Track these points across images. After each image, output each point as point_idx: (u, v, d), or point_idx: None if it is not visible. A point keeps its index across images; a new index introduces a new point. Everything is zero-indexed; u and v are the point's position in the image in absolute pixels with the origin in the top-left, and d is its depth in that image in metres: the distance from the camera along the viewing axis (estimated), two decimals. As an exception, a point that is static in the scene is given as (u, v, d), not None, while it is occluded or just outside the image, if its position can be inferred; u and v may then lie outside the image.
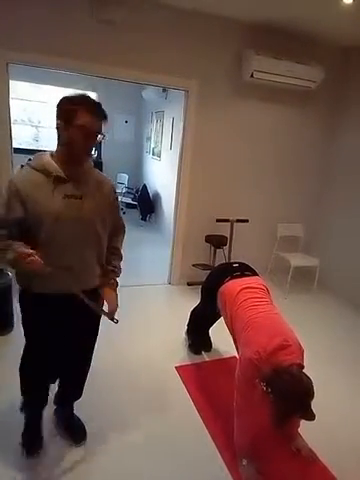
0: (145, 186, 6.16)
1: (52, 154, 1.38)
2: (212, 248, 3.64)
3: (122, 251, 1.67)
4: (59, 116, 1.29)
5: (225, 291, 2.02)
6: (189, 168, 3.50)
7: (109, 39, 2.91)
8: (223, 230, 3.59)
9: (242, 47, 3.26)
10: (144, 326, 2.92)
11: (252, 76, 3.26)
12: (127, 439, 1.84)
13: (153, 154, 6.07)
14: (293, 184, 3.98)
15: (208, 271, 3.62)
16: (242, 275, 2.06)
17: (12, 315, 2.65)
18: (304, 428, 1.83)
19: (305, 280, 3.91)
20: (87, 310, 1.42)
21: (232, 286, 2.00)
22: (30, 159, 1.39)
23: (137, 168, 6.96)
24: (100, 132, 1.31)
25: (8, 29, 2.66)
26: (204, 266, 3.58)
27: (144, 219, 6.12)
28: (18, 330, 2.57)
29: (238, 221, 3.48)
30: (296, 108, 3.71)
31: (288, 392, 1.48)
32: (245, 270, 2.11)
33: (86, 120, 1.25)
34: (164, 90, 5.34)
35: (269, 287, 2.07)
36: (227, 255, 3.49)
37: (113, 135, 6.68)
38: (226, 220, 3.43)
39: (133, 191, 6.20)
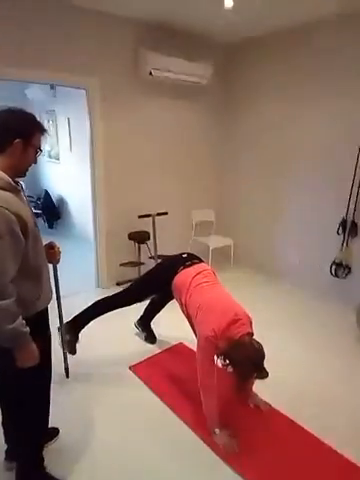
0: (47, 192, 5.77)
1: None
2: (136, 244, 3.69)
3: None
4: (17, 133, 1.27)
5: (179, 280, 2.15)
6: (102, 168, 3.45)
7: (1, 37, 2.64)
8: (144, 225, 3.67)
9: (139, 46, 3.33)
10: (85, 336, 2.83)
11: (151, 74, 3.37)
12: (103, 451, 1.83)
13: (50, 157, 5.71)
14: (200, 172, 4.28)
15: (137, 267, 3.71)
16: (192, 264, 2.22)
17: None
18: (258, 386, 2.09)
19: (222, 259, 4.29)
20: None
21: (185, 275, 2.14)
22: None
23: (32, 174, 6.44)
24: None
25: None
26: (133, 263, 3.62)
27: (51, 227, 5.75)
28: None
29: (158, 214, 3.60)
30: (192, 102, 3.97)
31: (243, 359, 1.70)
32: (193, 259, 2.27)
33: (39, 140, 1.35)
34: (52, 87, 5.06)
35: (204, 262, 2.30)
36: (154, 248, 3.59)
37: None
38: (148, 215, 3.51)
39: (34, 199, 5.74)
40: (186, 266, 2.20)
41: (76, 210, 5.44)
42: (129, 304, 2.49)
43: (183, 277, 2.15)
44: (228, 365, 1.75)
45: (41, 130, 1.35)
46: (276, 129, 3.78)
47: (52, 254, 1.63)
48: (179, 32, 3.55)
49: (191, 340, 2.60)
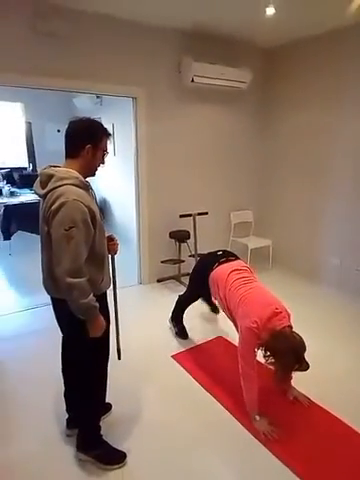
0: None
1: (74, 170, 1.49)
2: (177, 243, 3.86)
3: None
4: (87, 139, 1.47)
5: (215, 276, 2.26)
6: (145, 171, 3.66)
7: (53, 51, 2.92)
8: (184, 224, 3.83)
9: (181, 54, 3.52)
10: (129, 326, 3.03)
11: (192, 81, 3.53)
12: (151, 426, 1.99)
13: (94, 161, 6.03)
14: (238, 175, 4.37)
15: (177, 265, 3.87)
16: (227, 260, 2.32)
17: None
18: (297, 380, 2.15)
19: (261, 260, 4.35)
20: None
21: (221, 271, 2.25)
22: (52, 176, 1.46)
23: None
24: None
25: None
26: (173, 261, 3.79)
27: (95, 227, 6.07)
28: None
29: (199, 214, 3.74)
30: (232, 106, 4.09)
31: (285, 350, 1.77)
32: (229, 256, 2.38)
33: (106, 145, 1.55)
34: (98, 96, 5.39)
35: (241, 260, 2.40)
36: (194, 247, 3.74)
37: (46, 145, 6.48)
38: (188, 215, 3.67)
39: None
40: (221, 263, 2.31)
41: (118, 211, 5.72)
42: (191, 300, 2.78)
43: (219, 272, 2.26)
44: (269, 356, 1.83)
45: (107, 134, 1.54)
46: (315, 134, 3.80)
47: (112, 246, 1.77)
48: (220, 39, 3.69)
49: (229, 334, 2.72)
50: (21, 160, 6.63)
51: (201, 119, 3.90)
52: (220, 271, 2.26)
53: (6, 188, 5.43)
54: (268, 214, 4.55)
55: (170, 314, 2.95)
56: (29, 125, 6.57)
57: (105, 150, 1.54)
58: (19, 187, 5.98)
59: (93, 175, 1.57)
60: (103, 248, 1.56)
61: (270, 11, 2.99)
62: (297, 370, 1.85)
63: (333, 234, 3.81)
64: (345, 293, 3.66)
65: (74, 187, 1.40)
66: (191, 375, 2.42)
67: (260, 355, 1.90)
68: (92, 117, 1.54)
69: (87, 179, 1.52)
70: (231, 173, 4.30)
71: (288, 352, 1.77)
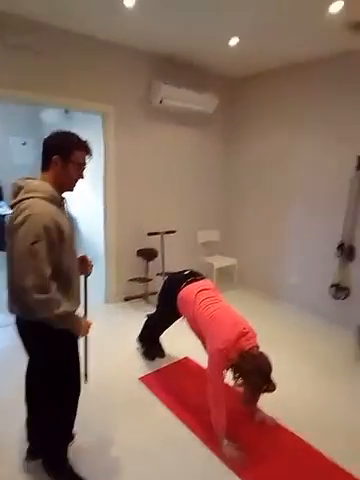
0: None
1: (47, 183, 1.47)
2: (145, 261, 3.86)
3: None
4: (55, 150, 1.45)
5: (184, 296, 2.29)
6: (114, 188, 3.66)
7: (23, 64, 2.89)
8: (152, 243, 3.85)
9: (152, 76, 3.62)
10: (96, 347, 2.95)
11: (161, 102, 3.63)
12: (114, 453, 1.93)
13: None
14: (205, 195, 4.49)
15: (145, 283, 3.86)
16: (194, 280, 2.36)
17: None
18: (262, 401, 2.20)
19: (227, 278, 4.44)
20: None
21: (189, 290, 2.28)
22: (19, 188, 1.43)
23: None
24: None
25: None
26: (141, 279, 3.77)
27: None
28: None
29: (167, 233, 3.78)
30: (199, 129, 4.24)
31: (253, 370, 1.82)
32: (196, 275, 2.42)
33: (82, 157, 1.50)
34: (66, 111, 5.35)
35: (208, 279, 2.46)
36: (162, 266, 3.75)
37: (11, 158, 6.30)
38: (156, 233, 3.69)
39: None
40: (188, 282, 2.34)
41: (86, 228, 5.63)
42: (162, 324, 2.73)
43: (187, 292, 2.29)
44: (238, 377, 1.88)
45: (80, 147, 1.48)
46: (277, 157, 4.02)
47: (84, 267, 1.74)
48: (189, 66, 3.84)
49: (196, 355, 2.73)
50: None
51: (170, 139, 3.99)
52: (188, 291, 2.29)
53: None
54: (233, 233, 4.69)
55: (138, 334, 2.92)
56: (-7, 138, 6.36)
57: (80, 164, 1.50)
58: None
59: (70, 190, 1.54)
60: (71, 268, 1.51)
61: (233, 42, 3.19)
62: (265, 391, 1.89)
63: (292, 253, 4.00)
64: (306, 310, 3.83)
65: (42, 201, 1.37)
66: (159, 399, 2.38)
67: (229, 377, 1.93)
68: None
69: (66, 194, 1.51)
70: (198, 193, 4.41)
71: (256, 372, 1.82)
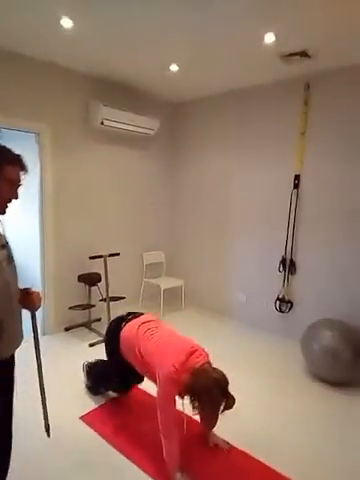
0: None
1: None
2: (87, 287, 3.61)
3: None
4: None
5: (126, 333, 2.18)
6: (51, 211, 3.42)
7: None
8: (95, 267, 3.63)
9: (91, 97, 3.54)
10: (32, 386, 2.62)
11: (102, 123, 3.55)
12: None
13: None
14: (149, 216, 4.43)
15: (87, 310, 3.60)
16: (134, 317, 2.28)
17: None
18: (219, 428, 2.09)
19: (174, 300, 4.34)
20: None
21: (130, 327, 2.20)
22: None
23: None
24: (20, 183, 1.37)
25: None
26: (83, 306, 3.50)
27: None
28: None
29: (110, 255, 3.60)
30: (142, 150, 4.22)
31: (209, 385, 1.70)
32: (134, 313, 2.34)
33: (13, 173, 1.32)
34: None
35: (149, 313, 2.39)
36: (106, 291, 3.53)
37: None
38: (99, 256, 3.49)
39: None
40: (128, 320, 2.26)
41: (20, 253, 5.18)
42: (113, 375, 2.40)
43: (128, 329, 2.19)
44: (194, 400, 1.73)
45: (13, 162, 1.32)
46: (219, 176, 4.14)
47: (31, 300, 1.51)
48: (129, 88, 3.86)
49: (144, 383, 2.56)
50: None
51: (112, 160, 3.90)
52: (129, 327, 2.20)
53: None
54: (179, 254, 4.66)
55: (85, 365, 2.64)
56: None
57: (13, 180, 1.33)
58: None
59: (1, 212, 1.37)
60: (5, 300, 1.31)
61: (173, 68, 3.28)
62: (225, 408, 1.76)
63: (238, 271, 4.05)
64: (255, 326, 3.86)
65: None
66: (104, 438, 2.14)
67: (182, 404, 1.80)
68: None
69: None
70: (142, 214, 4.33)
71: (212, 387, 1.70)
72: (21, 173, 1.35)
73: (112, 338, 2.27)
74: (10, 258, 1.39)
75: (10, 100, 3.03)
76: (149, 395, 2.48)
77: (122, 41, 2.74)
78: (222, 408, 1.75)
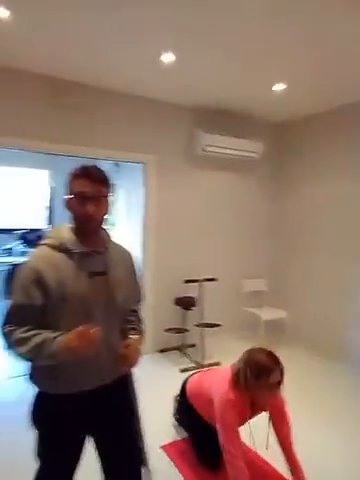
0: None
1: (71, 227, 1.30)
2: (182, 310, 3.60)
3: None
4: (65, 190, 1.29)
5: (190, 386, 2.24)
6: (153, 234, 3.60)
7: (71, 123, 3.12)
8: (191, 291, 3.61)
9: (193, 127, 3.69)
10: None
11: (204, 150, 3.63)
12: None
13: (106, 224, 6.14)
14: (251, 241, 4.24)
15: (181, 334, 3.56)
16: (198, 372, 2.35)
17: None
18: None
19: (275, 333, 3.96)
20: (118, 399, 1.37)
21: (194, 379, 2.26)
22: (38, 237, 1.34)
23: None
24: (100, 195, 1.25)
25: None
26: (177, 330, 3.50)
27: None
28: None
29: (206, 280, 3.54)
30: (245, 175, 4.13)
31: (256, 356, 1.76)
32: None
33: (80, 185, 1.23)
34: (117, 164, 5.66)
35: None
36: (200, 316, 3.46)
37: (65, 209, 6.72)
38: (195, 280, 3.47)
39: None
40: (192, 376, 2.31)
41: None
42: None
43: (191, 380, 2.26)
44: (248, 378, 1.70)
45: (77, 175, 1.26)
46: (334, 203, 3.69)
47: (124, 356, 1.29)
48: (231, 113, 3.87)
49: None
50: (39, 221, 6.84)
51: (213, 185, 3.94)
52: (193, 380, 2.26)
53: (17, 248, 5.48)
54: (283, 283, 4.28)
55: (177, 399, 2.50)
56: (52, 190, 6.92)
57: (79, 193, 1.23)
58: (32, 247, 6.06)
59: (84, 228, 1.27)
60: (75, 316, 1.22)
61: (278, 87, 3.15)
62: (277, 384, 1.70)
63: (354, 306, 3.45)
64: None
65: (45, 248, 1.25)
66: (180, 472, 2.02)
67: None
68: (111, 181, 1.31)
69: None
70: (243, 239, 4.18)
71: (259, 355, 1.75)
72: (88, 183, 1.23)
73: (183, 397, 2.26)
74: (103, 271, 1.29)
75: (123, 136, 3.38)
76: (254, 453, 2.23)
77: (222, 66, 2.78)
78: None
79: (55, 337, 1.16)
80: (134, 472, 1.40)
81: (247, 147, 3.83)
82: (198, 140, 3.65)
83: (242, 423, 1.79)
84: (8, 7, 2.03)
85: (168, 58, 2.63)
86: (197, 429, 2.15)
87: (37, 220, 6.84)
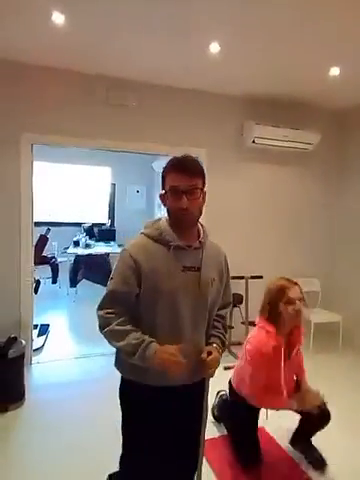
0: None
1: (167, 220, 1.30)
2: (228, 307, 3.56)
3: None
4: (161, 185, 1.29)
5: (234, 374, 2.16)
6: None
7: (123, 120, 3.25)
8: (238, 288, 3.54)
9: (243, 118, 3.59)
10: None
11: (254, 142, 3.51)
12: None
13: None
14: (304, 239, 4.01)
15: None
16: None
17: (23, 386, 2.56)
18: None
19: (328, 338, 3.70)
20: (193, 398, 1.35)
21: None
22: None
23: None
24: (194, 188, 1.22)
25: (32, 114, 3.00)
26: (221, 326, 3.47)
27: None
28: (29, 404, 2.48)
29: (252, 278, 3.44)
30: (298, 168, 3.90)
31: (275, 281, 1.98)
32: None
33: (173, 179, 1.21)
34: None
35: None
36: (245, 314, 3.39)
37: (126, 204, 7.06)
38: (241, 277, 3.40)
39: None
40: None
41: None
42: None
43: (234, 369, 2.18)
44: (273, 308, 1.89)
45: (171, 169, 1.23)
46: None
47: (202, 363, 1.27)
48: (284, 103, 3.67)
49: (275, 427, 2.31)
50: (102, 216, 7.28)
51: (264, 178, 3.80)
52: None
53: (83, 240, 5.91)
54: (339, 285, 3.97)
55: (220, 396, 2.49)
56: (113, 186, 7.30)
57: (173, 187, 1.20)
58: (97, 240, 6.49)
59: (180, 222, 1.26)
60: (156, 323, 1.23)
61: (335, 71, 2.91)
62: (292, 297, 1.87)
63: None
64: None
65: (143, 237, 1.28)
66: (211, 467, 2.00)
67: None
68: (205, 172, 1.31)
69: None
70: (296, 236, 3.97)
71: (270, 284, 1.99)
72: (182, 176, 1.19)
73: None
74: (197, 267, 1.26)
75: (173, 130, 3.41)
76: (277, 445, 2.21)
77: (275, 54, 2.66)
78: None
79: (151, 342, 1.18)
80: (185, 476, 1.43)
81: (301, 138, 3.61)
82: (248, 132, 3.54)
83: (279, 360, 1.86)
84: (63, 12, 2.14)
85: (214, 48, 2.57)
86: (240, 422, 2.10)
87: (100, 215, 7.31)
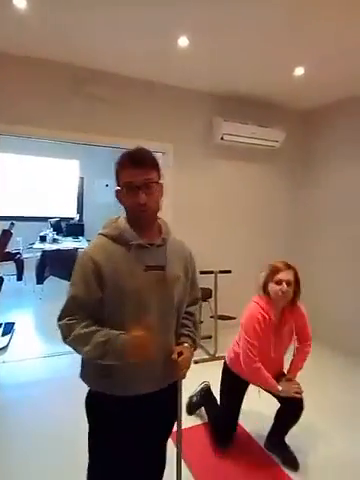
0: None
1: (126, 218, 1.24)
2: (197, 301, 3.60)
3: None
4: (116, 181, 1.21)
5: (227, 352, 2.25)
6: (169, 223, 3.59)
7: (92, 111, 3.16)
8: (206, 282, 3.59)
9: (212, 114, 3.62)
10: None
11: (222, 139, 3.56)
12: None
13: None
14: (269, 233, 4.13)
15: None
16: None
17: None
18: None
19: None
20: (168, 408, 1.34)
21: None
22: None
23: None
24: (150, 182, 1.16)
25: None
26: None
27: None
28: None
29: (221, 272, 3.51)
30: (264, 164, 4.01)
31: (273, 264, 2.16)
32: None
33: (127, 175, 1.16)
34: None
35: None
36: (214, 308, 3.45)
37: (95, 198, 6.92)
38: (210, 272, 3.45)
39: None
40: None
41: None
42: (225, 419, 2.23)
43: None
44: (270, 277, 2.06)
45: (123, 164, 1.17)
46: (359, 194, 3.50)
47: (173, 364, 1.23)
48: (252, 100, 3.74)
49: (250, 420, 2.37)
50: (70, 211, 7.11)
51: (231, 175, 3.86)
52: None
53: (50, 235, 5.74)
54: (303, 276, 4.12)
55: (204, 388, 2.52)
56: (81, 180, 7.14)
57: (127, 184, 1.15)
58: (64, 235, 6.33)
59: (139, 219, 1.21)
60: (132, 311, 1.18)
61: (299, 71, 3.00)
62: (280, 278, 2.03)
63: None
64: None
65: (102, 237, 1.22)
66: (184, 458, 2.03)
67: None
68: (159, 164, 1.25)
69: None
70: (261, 231, 4.09)
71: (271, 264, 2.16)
72: (137, 172, 1.14)
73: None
74: (160, 266, 1.23)
75: (140, 124, 3.37)
76: (249, 436, 2.28)
77: (239, 51, 2.69)
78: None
79: (120, 333, 1.12)
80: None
81: (268, 135, 3.71)
82: (217, 128, 3.59)
83: (269, 331, 1.99)
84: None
85: (183, 42, 2.57)
86: (227, 389, 2.20)
87: (68, 209, 7.13)
